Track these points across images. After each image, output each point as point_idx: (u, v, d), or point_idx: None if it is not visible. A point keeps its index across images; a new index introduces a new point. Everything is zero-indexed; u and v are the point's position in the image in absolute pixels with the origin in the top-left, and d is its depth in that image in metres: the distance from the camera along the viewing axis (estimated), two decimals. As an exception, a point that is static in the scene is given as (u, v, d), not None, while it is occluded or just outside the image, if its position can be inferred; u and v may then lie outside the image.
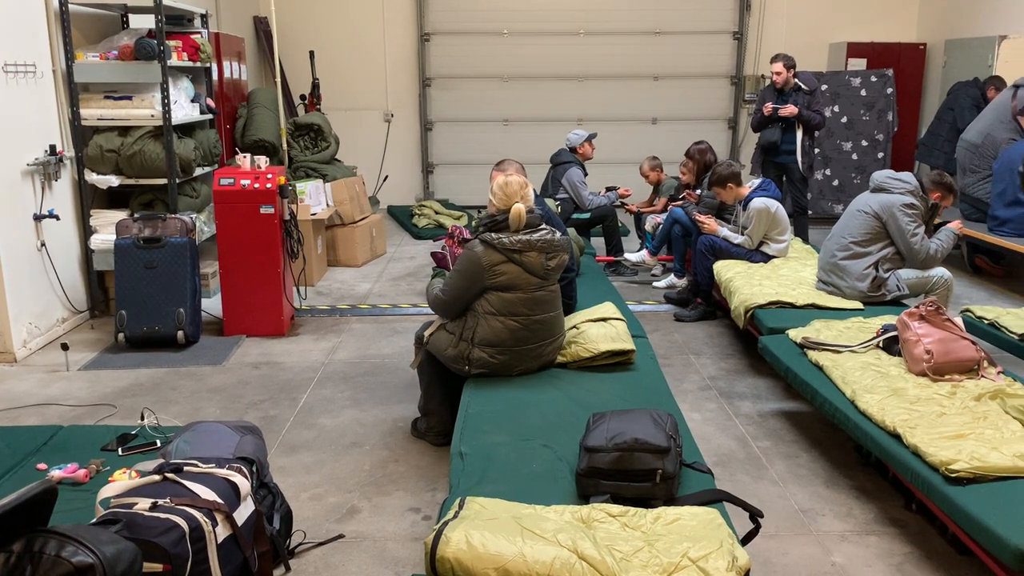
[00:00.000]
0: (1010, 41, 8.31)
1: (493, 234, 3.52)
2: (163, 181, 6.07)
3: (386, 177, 10.48)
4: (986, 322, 5.03)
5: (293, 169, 7.84)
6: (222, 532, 2.41)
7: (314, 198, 7.10)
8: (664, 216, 6.91)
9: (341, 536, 3.19)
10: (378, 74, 10.49)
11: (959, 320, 3.92)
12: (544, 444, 2.98)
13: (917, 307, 3.83)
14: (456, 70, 10.49)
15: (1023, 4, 8.48)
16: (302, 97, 9.67)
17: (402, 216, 9.72)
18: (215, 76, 7.40)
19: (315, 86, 9.44)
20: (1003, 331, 4.77)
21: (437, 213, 9.38)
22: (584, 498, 2.58)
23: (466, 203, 10.18)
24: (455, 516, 2.30)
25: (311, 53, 9.59)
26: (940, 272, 4.98)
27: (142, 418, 3.60)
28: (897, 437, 3.09)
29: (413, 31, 10.37)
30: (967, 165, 7.39)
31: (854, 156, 9.53)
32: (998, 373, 3.65)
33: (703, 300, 6.05)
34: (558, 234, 3.64)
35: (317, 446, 3.98)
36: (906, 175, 4.98)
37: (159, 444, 3.35)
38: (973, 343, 3.72)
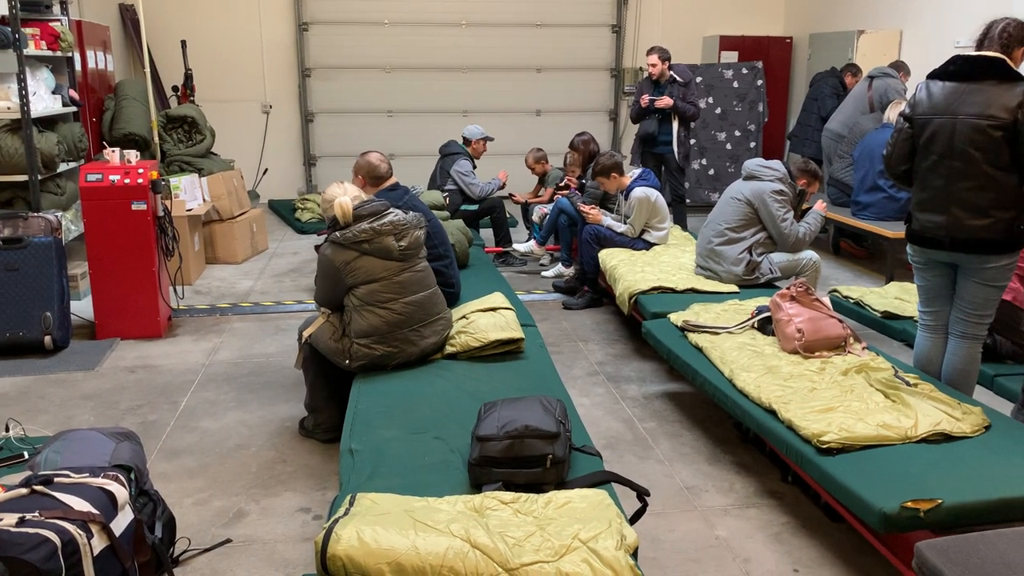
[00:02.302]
0: (867, 35, 8.83)
1: (338, 233, 3.51)
2: (23, 178, 5.71)
3: (266, 170, 10.19)
4: (851, 301, 5.34)
5: (166, 163, 7.52)
6: (98, 544, 2.29)
7: (189, 193, 6.82)
8: (551, 206, 7.00)
9: (228, 541, 3.10)
10: (255, 64, 10.17)
11: (827, 300, 4.15)
12: (436, 436, 2.97)
13: (788, 288, 4.02)
14: (337, 60, 10.29)
15: (879, 1, 9.03)
16: (174, 88, 9.28)
17: (284, 210, 9.48)
18: (78, 66, 7.00)
19: (188, 77, 9.08)
20: (867, 309, 5.07)
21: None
22: (477, 487, 2.59)
23: (351, 196, 10.00)
24: (346, 513, 2.27)
25: (183, 43, 9.21)
26: (809, 255, 5.25)
27: (7, 429, 3.39)
28: (772, 413, 3.24)
29: (291, 20, 10.11)
30: (832, 153, 7.83)
31: (728, 146, 9.91)
32: (863, 349, 3.88)
33: (590, 288, 6.17)
34: (411, 214, 3.65)
35: (200, 450, 3.84)
36: (775, 163, 5.22)
37: (27, 456, 3.15)
38: (840, 321, 3.94)
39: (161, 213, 5.32)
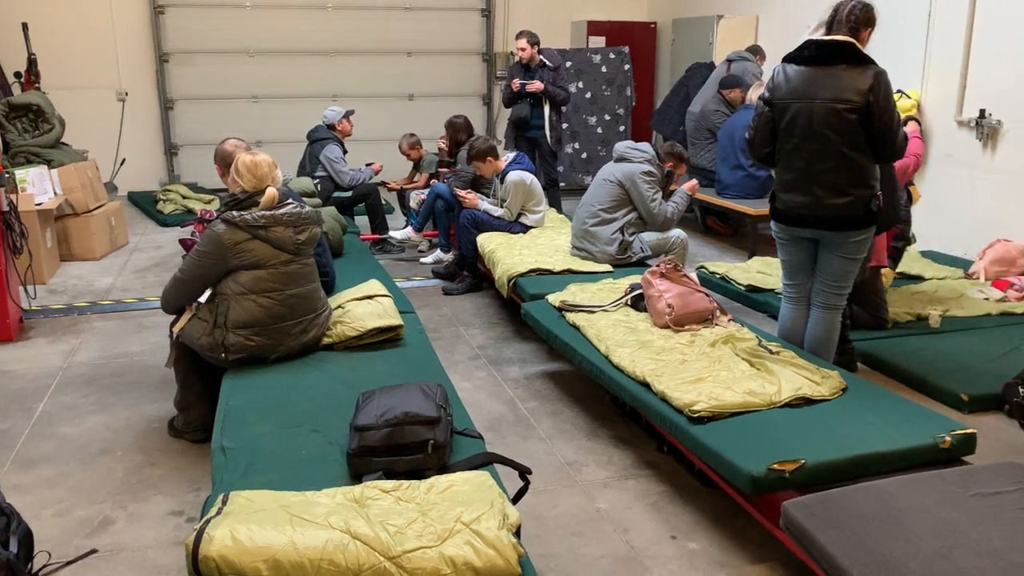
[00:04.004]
0: (726, 20, 9.17)
1: (235, 212, 3.36)
2: None
3: (123, 161, 9.63)
4: (718, 276, 5.56)
5: (11, 155, 6.98)
6: (-58, 566, 2.12)
7: (38, 186, 6.37)
8: (427, 192, 6.95)
9: (94, 551, 2.92)
10: (107, 49, 9.59)
11: (695, 275, 4.30)
12: (313, 429, 2.90)
13: (658, 266, 4.14)
14: (197, 44, 9.84)
15: (734, -12, 9.39)
16: (17, 75, 8.63)
17: (145, 202, 9.01)
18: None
19: (32, 62, 8.46)
20: (732, 283, 5.30)
21: (185, 198, 8.78)
22: (357, 478, 2.55)
23: (217, 186, 9.58)
24: (218, 513, 2.18)
25: (24, 25, 8.56)
26: (677, 233, 5.42)
27: None
28: (647, 386, 3.33)
29: (145, 2, 9.58)
30: (692, 136, 8.09)
31: (599, 130, 10.10)
32: (729, 321, 4.04)
33: (469, 273, 6.16)
34: (307, 207, 3.55)
35: (59, 458, 3.60)
36: (644, 145, 5.36)
37: None
38: (707, 295, 4.09)
39: (6, 208, 4.95)
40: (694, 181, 5.77)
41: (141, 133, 9.89)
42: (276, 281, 3.41)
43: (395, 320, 3.75)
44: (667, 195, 5.44)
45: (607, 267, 5.15)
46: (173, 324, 3.64)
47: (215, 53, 9.91)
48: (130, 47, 9.67)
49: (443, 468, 2.59)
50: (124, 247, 7.44)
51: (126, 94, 9.76)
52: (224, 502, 2.26)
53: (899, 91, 6.47)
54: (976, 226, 6.30)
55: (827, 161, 3.60)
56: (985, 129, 6.25)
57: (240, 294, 3.38)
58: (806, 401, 3.14)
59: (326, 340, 3.65)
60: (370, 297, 3.93)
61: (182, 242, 5.37)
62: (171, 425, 3.82)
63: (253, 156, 3.51)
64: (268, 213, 3.38)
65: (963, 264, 6.05)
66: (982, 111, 6.26)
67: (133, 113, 9.82)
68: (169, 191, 8.90)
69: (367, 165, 7.28)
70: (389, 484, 2.42)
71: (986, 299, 5.25)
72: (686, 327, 3.91)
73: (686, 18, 10.01)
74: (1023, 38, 5.93)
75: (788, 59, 3.73)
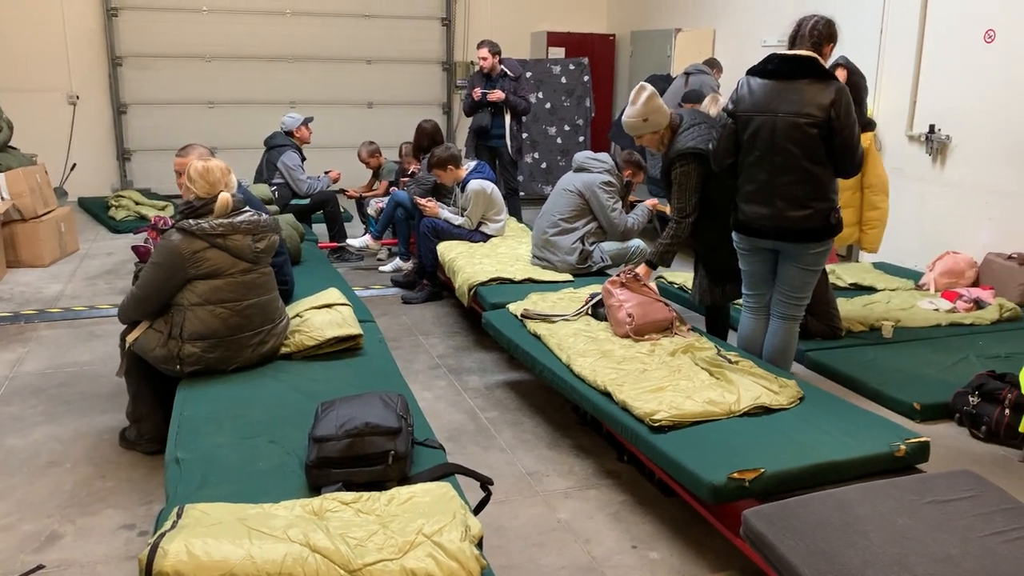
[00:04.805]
0: (684, 33, 9.29)
1: (192, 220, 3.29)
2: None
3: (74, 166, 9.42)
4: (676, 286, 5.61)
5: (-45, 158, 6.78)
6: None
7: (-15, 191, 6.20)
8: (386, 200, 6.90)
9: (41, 567, 2.83)
10: (58, 52, 9.38)
11: (654, 285, 4.33)
12: (270, 440, 2.84)
13: (618, 275, 4.16)
14: (151, 48, 9.67)
15: (693, 1, 9.52)
16: (-38, 76, 8.41)
17: (96, 208, 8.81)
18: None
19: (-22, 63, 8.24)
20: (691, 293, 5.33)
21: (138, 204, 8.61)
22: (316, 490, 2.50)
23: (171, 192, 9.43)
24: (173, 526, 2.13)
25: (-30, 25, 8.35)
26: (637, 243, 5.46)
27: None
28: (608, 395, 3.34)
29: (98, 4, 9.41)
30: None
31: (558, 140, 10.15)
32: (688, 330, 4.07)
33: (429, 281, 6.13)
34: (265, 216, 3.50)
35: (5, 470, 3.49)
36: (603, 155, 5.39)
37: None
38: (667, 305, 4.12)
39: (-51, 212, 4.80)
40: (655, 200, 5.82)
41: (92, 138, 9.68)
42: (234, 291, 3.35)
43: (354, 329, 3.71)
44: (626, 204, 5.48)
45: (568, 276, 5.16)
46: (125, 332, 3.55)
47: (170, 57, 9.75)
48: (82, 50, 9.47)
49: (404, 479, 2.56)
50: (74, 253, 7.27)
51: (77, 97, 9.56)
52: (179, 515, 2.21)
53: (870, 120, 6.60)
54: (926, 239, 6.45)
55: (789, 174, 3.65)
56: (935, 144, 6.41)
57: (196, 304, 3.30)
58: (765, 410, 3.17)
59: (284, 349, 3.59)
60: (329, 306, 3.88)
61: (135, 249, 5.23)
62: (123, 436, 3.73)
63: (206, 162, 3.46)
64: (226, 221, 3.32)
65: (914, 276, 6.18)
66: (932, 126, 6.42)
67: (84, 117, 9.61)
68: (122, 197, 8.72)
69: (325, 173, 7.22)
70: (349, 496, 2.38)
71: (936, 310, 5.37)
72: (646, 336, 3.93)
73: (645, 31, 10.12)
74: (971, 56, 6.10)
75: (752, 72, 3.77)
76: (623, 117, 4.24)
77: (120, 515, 3.18)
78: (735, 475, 2.66)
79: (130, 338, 3.48)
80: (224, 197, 3.34)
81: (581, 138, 10.19)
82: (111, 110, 9.69)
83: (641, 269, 4.26)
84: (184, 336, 3.31)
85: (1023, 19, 5.70)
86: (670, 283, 5.59)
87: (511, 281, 5.05)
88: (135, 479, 3.44)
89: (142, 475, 3.47)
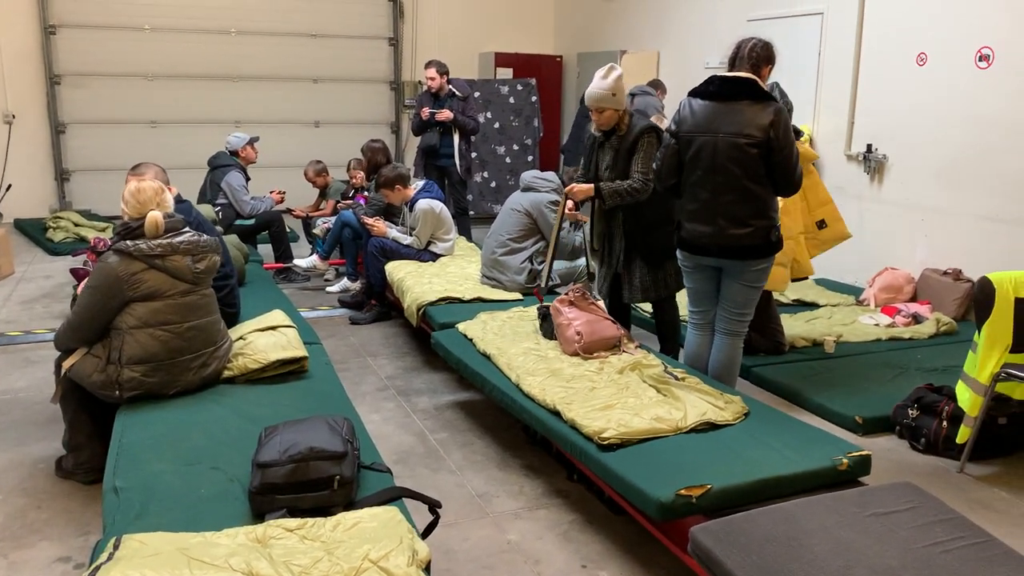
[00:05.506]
0: (629, 55, 9.43)
1: (129, 242, 3.22)
2: None
3: (9, 186, 9.16)
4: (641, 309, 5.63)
5: None
6: None
7: (-87, 212, 5.99)
8: (333, 220, 6.84)
9: (-31, 605, 2.72)
10: (-8, 69, 9.14)
11: (602, 303, 4.35)
12: (213, 466, 2.78)
13: (567, 294, 4.18)
14: (91, 67, 9.48)
15: (638, 24, 9.68)
16: None
17: (33, 230, 8.57)
18: None
19: (-92, 81, 7.98)
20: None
21: (77, 225, 8.40)
22: (260, 516, 2.45)
23: (112, 213, 9.24)
24: (109, 558, 2.06)
25: (-100, 41, 8.09)
26: (584, 261, 5.49)
27: None
28: (557, 414, 3.34)
29: (35, 22, 9.19)
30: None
31: (507, 159, 10.20)
32: (636, 347, 4.10)
33: (378, 302, 6.08)
34: (204, 235, 3.44)
35: (-68, 504, 3.35)
36: (550, 174, 5.44)
37: None
38: (614, 322, 4.14)
39: None
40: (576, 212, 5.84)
41: (29, 158, 9.43)
42: (174, 313, 3.27)
43: (299, 351, 3.65)
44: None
45: (517, 295, 5.17)
46: (61, 359, 3.45)
47: (111, 76, 9.57)
48: (18, 68, 9.24)
49: (350, 504, 2.52)
50: (9, 276, 7.05)
51: (13, 117, 9.31)
52: (116, 546, 2.14)
53: (793, 127, 6.76)
54: (866, 255, 6.62)
55: (730, 193, 3.72)
56: (872, 163, 6.60)
57: (135, 327, 3.22)
58: (711, 426, 3.20)
59: (227, 373, 3.51)
60: (273, 328, 3.82)
61: (74, 272, 5.12)
62: (59, 466, 3.60)
63: (139, 182, 3.40)
64: (165, 241, 3.26)
65: (855, 292, 6.34)
66: (869, 146, 6.61)
67: (21, 137, 9.36)
68: (60, 218, 8.50)
69: (269, 193, 7.13)
70: (293, 522, 2.33)
71: (876, 325, 5.51)
72: (595, 354, 3.94)
73: (591, 52, 10.25)
74: (904, 78, 6.30)
75: (694, 93, 3.84)
76: (590, 88, 4.30)
77: (55, 547, 3.07)
78: (682, 492, 2.67)
79: (66, 364, 3.38)
80: (152, 217, 3.27)
81: (530, 157, 10.26)
82: (49, 129, 9.46)
83: (586, 186, 4.32)
84: (123, 360, 3.22)
85: (952, 44, 5.92)
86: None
87: (460, 300, 5.04)
88: (72, 510, 3.33)
89: (79, 505, 3.36)
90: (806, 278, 5.13)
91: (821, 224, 4.78)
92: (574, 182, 5.36)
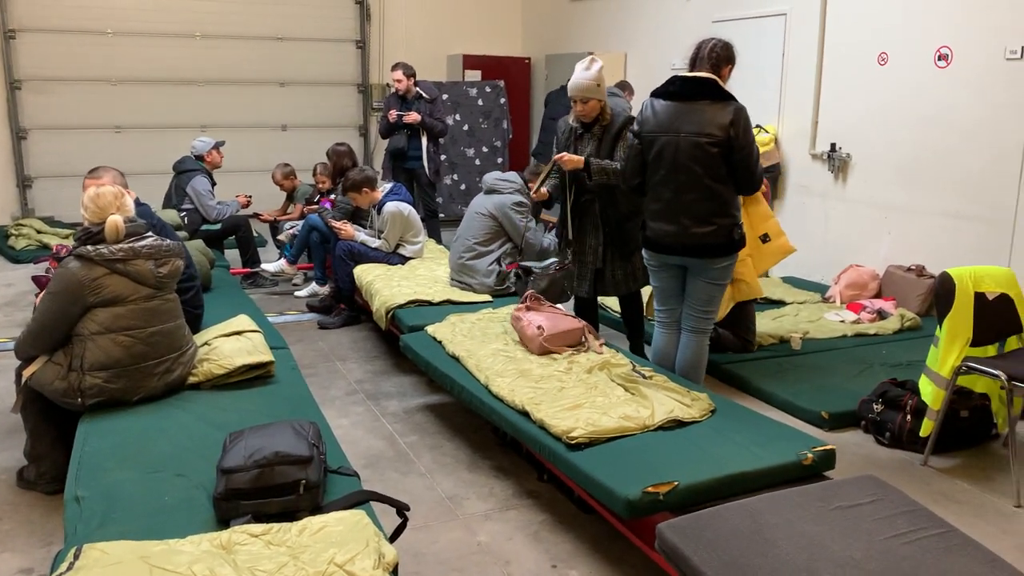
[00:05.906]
0: (597, 56, 9.44)
1: (90, 247, 3.18)
2: None
3: (-29, 194, 9.00)
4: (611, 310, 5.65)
5: None
6: None
7: None
8: (301, 224, 6.79)
9: (-73, 621, 2.66)
10: (-50, 74, 8.97)
11: (559, 306, 4.37)
12: (177, 473, 2.75)
13: (523, 301, 4.21)
14: (53, 72, 9.32)
15: (605, 26, 9.72)
16: None
17: (-5, 238, 8.43)
18: None
19: None
20: (607, 310, 5.41)
21: (40, 232, 8.28)
22: (224, 523, 2.43)
23: (76, 220, 9.08)
24: (69, 568, 2.04)
25: None
26: (552, 261, 5.50)
27: None
28: (526, 414, 3.34)
29: (-7, 26, 9.03)
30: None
31: (477, 162, 10.19)
32: (601, 345, 4.11)
33: (346, 306, 6.05)
34: (168, 241, 3.40)
35: None
36: (512, 175, 5.44)
37: None
38: (575, 317, 4.16)
39: None
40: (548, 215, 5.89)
41: (-11, 164, 9.27)
42: (137, 318, 3.23)
43: (265, 356, 3.62)
44: (539, 219, 5.53)
45: (486, 297, 5.17)
46: (22, 368, 3.39)
47: (74, 81, 9.42)
48: (-24, 73, 9.07)
49: (316, 509, 2.50)
50: (-31, 285, 6.92)
51: (-28, 123, 9.14)
52: (76, 556, 2.11)
53: (758, 126, 6.83)
54: (831, 253, 6.70)
55: (692, 192, 3.75)
56: (836, 162, 6.68)
57: (97, 333, 3.18)
58: (678, 423, 3.22)
59: (192, 379, 3.48)
60: (239, 333, 3.78)
61: (36, 279, 5.03)
62: (20, 476, 3.54)
63: (98, 187, 3.37)
64: (127, 246, 3.22)
65: (820, 289, 6.41)
66: (833, 145, 6.69)
67: (-20, 143, 9.20)
68: (22, 225, 8.37)
69: (235, 197, 7.07)
70: (258, 528, 2.31)
71: (842, 321, 5.57)
72: (561, 350, 3.95)
73: (559, 54, 10.27)
74: (867, 78, 6.39)
75: (655, 94, 3.87)
76: (573, 79, 4.31)
77: (17, 559, 3.02)
78: (649, 489, 2.68)
79: (27, 373, 3.32)
80: (112, 221, 3.23)
81: (499, 159, 10.26)
82: (10, 135, 9.29)
83: (576, 157, 4.30)
84: (85, 367, 3.17)
85: (912, 44, 6.01)
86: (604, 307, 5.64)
87: (429, 303, 5.02)
88: (34, 520, 3.27)
89: (41, 516, 3.30)
90: (756, 300, 4.98)
91: (764, 238, 4.78)
92: (537, 174, 5.37)
